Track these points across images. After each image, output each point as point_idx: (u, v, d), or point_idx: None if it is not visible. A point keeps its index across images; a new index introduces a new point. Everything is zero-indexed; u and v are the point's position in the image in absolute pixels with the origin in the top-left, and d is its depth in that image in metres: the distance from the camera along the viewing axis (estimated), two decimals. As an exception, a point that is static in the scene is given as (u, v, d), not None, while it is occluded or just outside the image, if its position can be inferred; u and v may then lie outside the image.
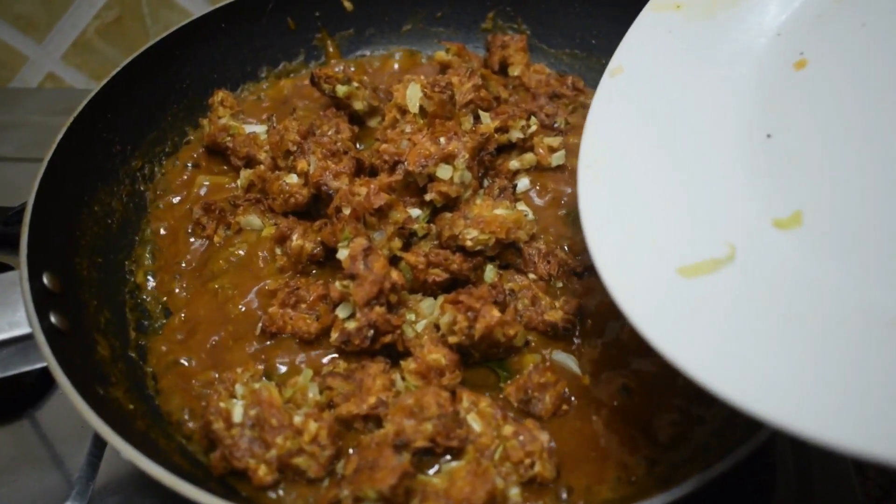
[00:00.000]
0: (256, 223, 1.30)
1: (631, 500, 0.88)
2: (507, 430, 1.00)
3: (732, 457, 0.88)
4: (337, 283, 1.10)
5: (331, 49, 1.66)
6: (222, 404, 1.01)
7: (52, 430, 1.24)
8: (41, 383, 1.28)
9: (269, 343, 1.16)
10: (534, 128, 1.36)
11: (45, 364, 0.98)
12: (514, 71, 1.57)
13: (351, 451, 1.03)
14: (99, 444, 1.21)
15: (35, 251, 1.07)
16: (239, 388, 1.04)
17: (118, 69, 1.35)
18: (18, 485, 1.17)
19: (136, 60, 1.38)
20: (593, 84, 1.60)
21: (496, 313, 1.06)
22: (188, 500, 1.10)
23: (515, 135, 1.36)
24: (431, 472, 1.00)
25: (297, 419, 1.00)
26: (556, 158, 1.37)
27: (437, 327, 1.12)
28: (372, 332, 1.07)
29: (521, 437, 0.99)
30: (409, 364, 1.07)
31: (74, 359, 1.02)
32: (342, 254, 1.12)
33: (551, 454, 1.00)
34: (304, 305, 1.17)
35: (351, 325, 1.08)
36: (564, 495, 0.99)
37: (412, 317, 1.14)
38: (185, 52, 1.47)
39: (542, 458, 0.98)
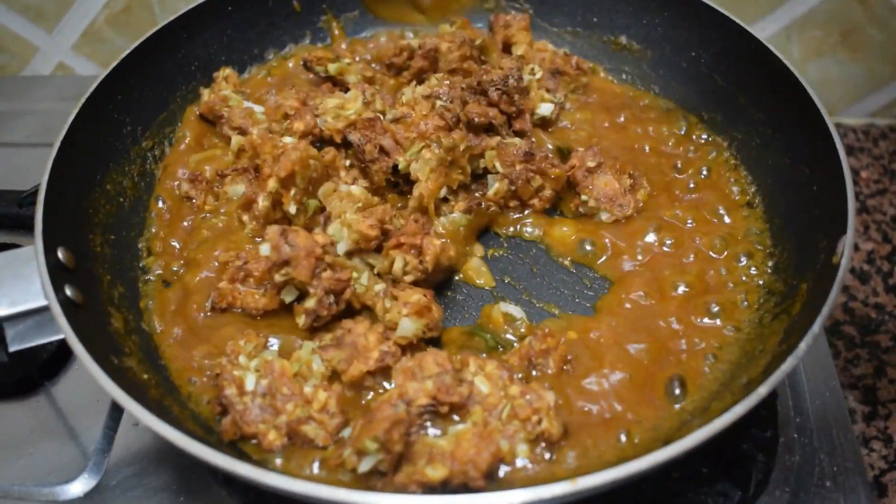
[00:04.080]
0: (241, 192, 1.31)
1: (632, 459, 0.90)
2: (514, 390, 1.03)
3: (732, 413, 0.89)
4: (276, 276, 1.12)
5: (336, 31, 1.68)
6: (236, 373, 1.04)
7: (67, 404, 1.27)
8: (56, 358, 1.31)
9: (258, 319, 1.18)
10: (539, 74, 1.42)
11: (61, 336, 1.00)
12: (518, 51, 1.59)
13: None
14: (115, 416, 1.23)
15: (49, 227, 1.10)
16: (243, 360, 1.06)
17: (128, 51, 1.37)
18: (36, 457, 1.20)
19: (146, 43, 1.40)
20: (596, 61, 1.64)
21: (437, 241, 1.15)
22: (201, 471, 1.14)
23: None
24: (438, 435, 1.02)
25: (308, 389, 1.04)
26: (544, 109, 1.41)
27: (378, 275, 1.18)
28: (332, 297, 1.11)
29: (528, 396, 1.02)
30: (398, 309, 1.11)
31: (89, 330, 1.04)
32: (264, 249, 1.12)
33: (558, 412, 1.03)
34: (252, 280, 1.18)
35: (311, 303, 1.11)
36: (572, 456, 1.02)
37: (355, 275, 1.17)
38: (192, 34, 1.50)
39: (548, 415, 1.01)
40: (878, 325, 1.58)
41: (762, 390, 0.90)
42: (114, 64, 1.34)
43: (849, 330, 1.57)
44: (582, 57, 1.60)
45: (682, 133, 1.49)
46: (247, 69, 1.61)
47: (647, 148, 1.45)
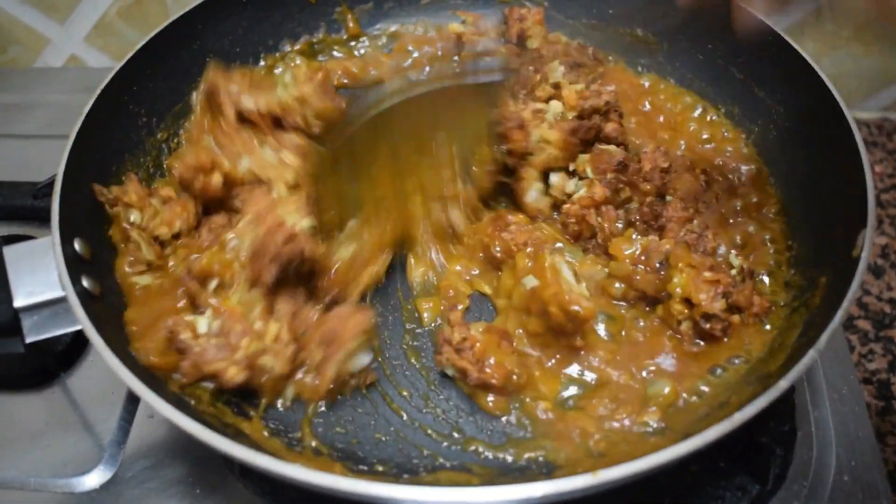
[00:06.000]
0: None
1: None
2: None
3: (754, 406, 0.89)
4: None
5: (350, 24, 1.67)
6: (188, 318, 1.06)
7: (83, 397, 1.26)
8: (72, 350, 1.31)
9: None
10: (560, 70, 1.41)
11: (78, 327, 1.00)
12: (533, 44, 1.58)
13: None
14: (130, 408, 1.23)
15: (66, 218, 1.09)
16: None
17: (143, 42, 1.36)
18: (51, 449, 1.20)
19: (161, 34, 1.39)
20: (612, 53, 1.63)
21: None
22: (217, 463, 1.14)
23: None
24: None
25: (258, 324, 1.06)
26: None
27: None
28: None
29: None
30: None
31: (106, 322, 1.04)
32: None
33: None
34: None
35: None
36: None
37: None
38: (207, 26, 1.49)
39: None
40: (892, 320, 1.57)
41: (783, 383, 0.90)
42: (130, 54, 1.34)
43: (863, 325, 1.57)
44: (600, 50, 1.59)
45: (701, 125, 1.49)
46: (261, 61, 1.61)
47: (666, 137, 1.45)
